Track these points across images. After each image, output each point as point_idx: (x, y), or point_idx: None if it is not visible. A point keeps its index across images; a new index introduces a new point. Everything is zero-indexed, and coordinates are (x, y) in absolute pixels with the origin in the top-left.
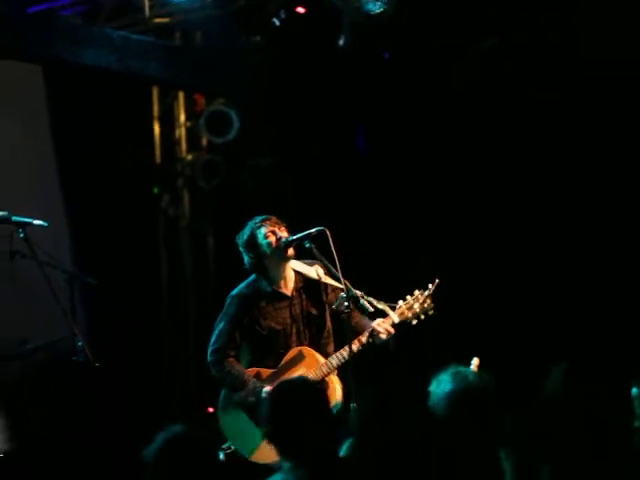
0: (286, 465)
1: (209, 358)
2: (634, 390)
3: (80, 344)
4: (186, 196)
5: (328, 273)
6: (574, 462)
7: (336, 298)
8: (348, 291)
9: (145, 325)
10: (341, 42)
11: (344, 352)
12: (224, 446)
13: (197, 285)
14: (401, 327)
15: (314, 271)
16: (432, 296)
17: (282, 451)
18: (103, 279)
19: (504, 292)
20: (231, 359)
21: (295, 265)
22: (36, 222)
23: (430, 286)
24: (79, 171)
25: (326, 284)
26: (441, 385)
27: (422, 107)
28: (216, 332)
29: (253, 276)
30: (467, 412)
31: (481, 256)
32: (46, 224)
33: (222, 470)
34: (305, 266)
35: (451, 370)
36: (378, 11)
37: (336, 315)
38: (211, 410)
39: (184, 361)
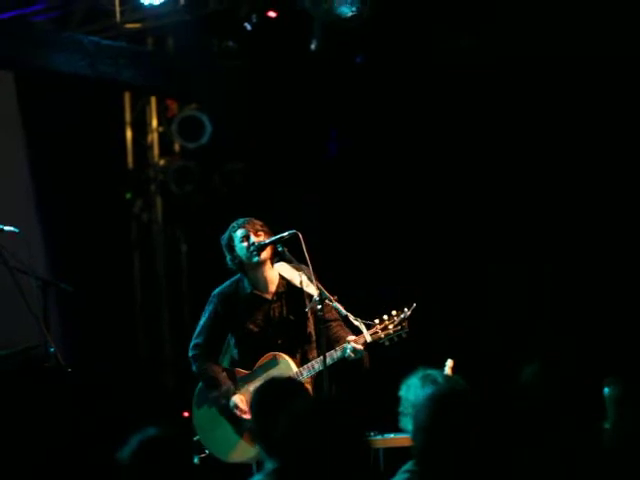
0: (268, 465)
1: (190, 353)
2: (605, 390)
3: (52, 350)
4: (159, 201)
5: (310, 279)
6: (542, 462)
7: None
8: (321, 293)
9: (119, 330)
10: (313, 46)
11: (315, 364)
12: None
13: (170, 290)
14: (374, 347)
15: (298, 277)
16: (408, 320)
17: (266, 451)
18: (77, 285)
19: (479, 292)
20: (210, 359)
21: (281, 268)
22: (7, 228)
23: (406, 310)
24: (51, 177)
25: (309, 293)
26: (412, 390)
27: (395, 111)
28: (197, 328)
29: (238, 275)
30: (448, 416)
31: (456, 257)
32: (17, 230)
33: (197, 473)
34: (292, 271)
35: (421, 374)
36: (350, 14)
37: (319, 322)
38: (186, 414)
39: (158, 365)
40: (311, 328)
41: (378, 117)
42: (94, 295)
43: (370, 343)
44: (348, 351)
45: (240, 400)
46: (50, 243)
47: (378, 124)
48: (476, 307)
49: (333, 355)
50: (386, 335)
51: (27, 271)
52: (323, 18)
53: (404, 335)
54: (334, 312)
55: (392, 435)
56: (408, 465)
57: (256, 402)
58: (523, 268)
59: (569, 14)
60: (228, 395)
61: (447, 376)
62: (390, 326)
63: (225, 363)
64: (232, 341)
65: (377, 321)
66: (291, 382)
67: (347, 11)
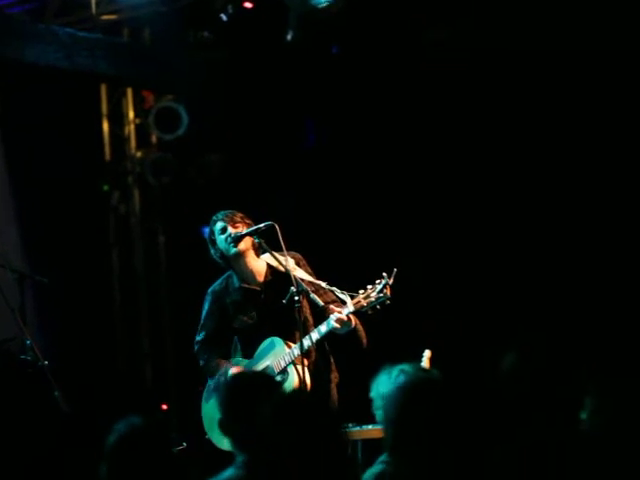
0: (239, 459)
1: (194, 349)
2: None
3: (29, 343)
4: (136, 193)
5: (299, 264)
6: (513, 457)
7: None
8: (298, 285)
9: (97, 323)
10: (289, 37)
11: (305, 341)
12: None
13: (149, 282)
14: (362, 317)
15: (284, 262)
16: (390, 286)
17: (235, 444)
18: (54, 277)
19: (456, 286)
20: (213, 352)
21: (267, 257)
22: None
23: (384, 275)
24: (28, 170)
25: (295, 275)
26: (382, 385)
27: (371, 101)
28: (198, 327)
29: (228, 271)
30: (415, 407)
31: (434, 251)
32: None
33: (176, 463)
34: (280, 258)
35: (387, 370)
36: (325, 5)
37: (314, 307)
38: (165, 407)
39: (137, 358)
40: (307, 312)
41: (354, 107)
42: (71, 287)
43: (354, 312)
44: (332, 322)
45: (236, 367)
46: (26, 236)
47: (355, 114)
48: (453, 301)
49: (320, 329)
50: (368, 303)
51: (3, 264)
52: (299, 9)
53: (387, 301)
54: (330, 294)
55: (370, 426)
56: (384, 456)
57: (226, 396)
58: (499, 261)
59: (547, 5)
60: (226, 369)
61: (418, 367)
62: (372, 294)
63: (236, 360)
64: (236, 338)
65: (361, 291)
66: (261, 376)
67: (322, 1)
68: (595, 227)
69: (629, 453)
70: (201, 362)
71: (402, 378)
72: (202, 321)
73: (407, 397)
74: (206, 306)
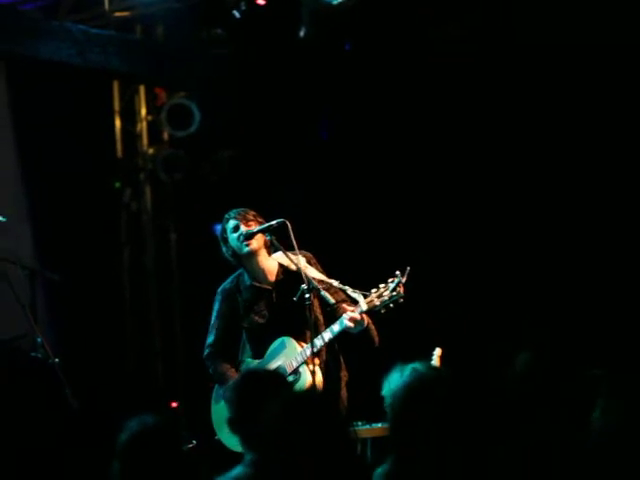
0: (248, 457)
1: (204, 353)
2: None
3: (39, 340)
4: (148, 190)
5: (310, 262)
6: (517, 454)
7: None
8: (309, 283)
9: (108, 320)
10: (301, 33)
11: (317, 340)
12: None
13: (160, 279)
14: (374, 316)
15: (295, 260)
16: (403, 284)
17: (244, 442)
18: (66, 274)
19: (463, 283)
20: (222, 357)
21: (279, 257)
22: None
23: (397, 273)
24: (40, 166)
25: (307, 274)
26: (393, 383)
27: (383, 98)
28: (209, 329)
29: (239, 270)
30: (419, 405)
31: (449, 243)
32: (4, 219)
33: (187, 461)
34: (291, 256)
35: (398, 368)
36: (337, 1)
37: (325, 306)
38: (175, 405)
39: (148, 356)
40: (317, 312)
41: (367, 104)
42: (82, 285)
43: (367, 311)
44: (345, 321)
45: None
46: (38, 232)
47: (367, 110)
48: (461, 299)
49: (333, 329)
50: (381, 302)
51: (15, 261)
52: (311, 5)
53: (400, 300)
54: (341, 293)
55: (380, 424)
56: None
57: (236, 394)
58: (510, 260)
59: (555, 0)
60: None
61: (428, 366)
62: (385, 292)
63: (245, 357)
64: (245, 335)
65: (374, 290)
66: (270, 374)
67: None
68: (609, 224)
69: (638, 453)
70: (210, 370)
71: (410, 377)
72: (212, 321)
73: (412, 395)
74: (216, 306)
